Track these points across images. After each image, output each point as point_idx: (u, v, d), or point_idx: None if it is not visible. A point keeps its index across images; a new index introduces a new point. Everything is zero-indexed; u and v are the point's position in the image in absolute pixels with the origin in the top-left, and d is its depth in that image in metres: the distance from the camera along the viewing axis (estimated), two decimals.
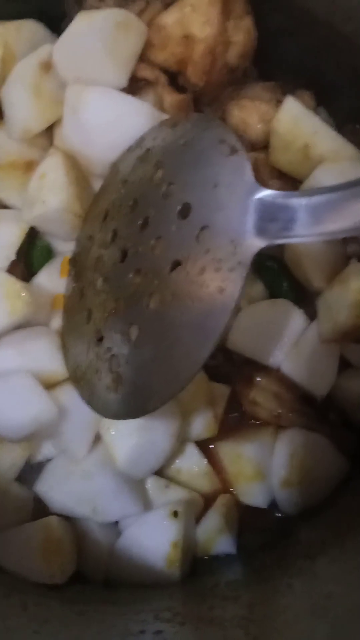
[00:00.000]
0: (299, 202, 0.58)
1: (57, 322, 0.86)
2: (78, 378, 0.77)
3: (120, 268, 0.73)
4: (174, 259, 0.65)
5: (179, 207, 0.66)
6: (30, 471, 0.84)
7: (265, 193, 0.60)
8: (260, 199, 0.60)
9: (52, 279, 0.88)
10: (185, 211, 0.66)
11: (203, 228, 0.63)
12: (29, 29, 0.89)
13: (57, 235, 0.89)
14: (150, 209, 0.70)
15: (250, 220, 0.60)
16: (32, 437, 0.78)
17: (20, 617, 0.64)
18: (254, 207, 0.60)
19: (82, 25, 0.80)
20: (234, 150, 0.63)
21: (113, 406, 0.71)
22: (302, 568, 0.70)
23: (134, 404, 0.70)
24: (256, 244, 0.60)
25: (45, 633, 0.62)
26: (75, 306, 0.80)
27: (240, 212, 0.61)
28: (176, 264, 0.65)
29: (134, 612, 0.68)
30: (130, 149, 0.80)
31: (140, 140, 0.78)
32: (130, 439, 0.80)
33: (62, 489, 0.80)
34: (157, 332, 0.66)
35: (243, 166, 0.62)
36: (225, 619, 0.64)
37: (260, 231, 0.60)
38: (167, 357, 0.65)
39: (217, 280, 0.61)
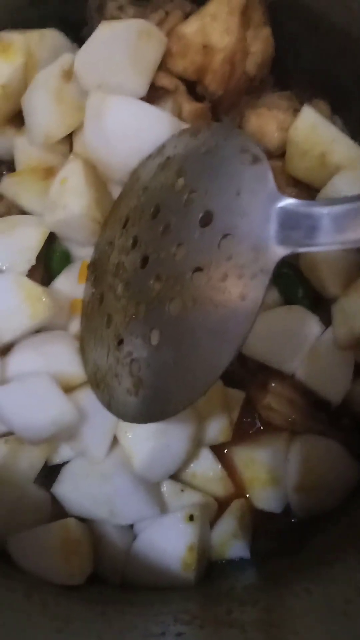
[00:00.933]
0: (321, 211, 0.59)
1: (75, 326, 0.87)
2: (97, 382, 0.78)
3: (141, 274, 0.73)
4: (195, 265, 0.66)
5: (200, 215, 0.67)
6: (48, 473, 0.84)
7: (287, 201, 0.61)
8: (282, 207, 0.61)
9: (70, 284, 0.89)
10: (207, 218, 0.67)
11: (225, 235, 0.64)
12: (51, 37, 0.91)
13: (75, 240, 0.90)
14: (172, 216, 0.71)
15: (272, 228, 0.61)
16: (52, 439, 0.79)
17: (43, 615, 0.64)
18: (276, 215, 0.61)
19: (104, 34, 0.81)
20: (256, 159, 0.64)
21: (132, 410, 0.72)
22: (319, 574, 0.71)
23: (153, 408, 0.70)
24: (278, 251, 0.60)
25: (68, 632, 0.62)
26: (95, 311, 0.81)
27: (262, 220, 0.62)
28: (198, 270, 0.66)
29: (153, 614, 0.69)
30: (150, 157, 0.81)
31: (161, 147, 0.79)
32: (148, 442, 0.80)
33: (80, 491, 0.81)
34: (178, 337, 0.67)
35: (265, 175, 0.63)
36: (245, 622, 0.64)
37: (283, 239, 0.61)
38: (188, 362, 0.66)
39: (239, 287, 0.62)
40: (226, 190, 0.65)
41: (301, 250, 0.60)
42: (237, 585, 0.78)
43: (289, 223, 0.61)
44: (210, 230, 0.66)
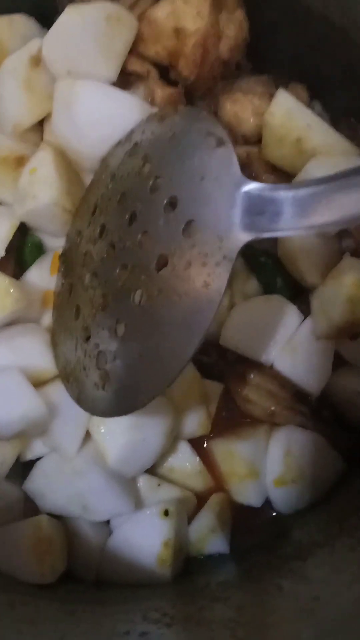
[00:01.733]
0: (285, 195, 0.57)
1: (47, 319, 0.85)
2: (67, 375, 0.76)
3: (107, 263, 0.72)
4: (160, 253, 0.64)
5: (165, 201, 0.65)
6: (21, 469, 0.83)
7: (251, 186, 0.59)
8: (246, 192, 0.59)
9: (43, 276, 0.87)
10: (172, 205, 0.65)
11: (189, 222, 0.62)
12: (21, 23, 0.89)
13: (47, 231, 0.88)
14: (138, 203, 0.69)
15: (236, 214, 0.59)
16: (22, 435, 0.78)
17: (7, 616, 0.63)
18: (241, 200, 0.60)
19: (72, 18, 0.79)
20: (220, 143, 0.62)
21: (101, 403, 0.70)
22: (292, 569, 0.69)
23: (121, 401, 0.69)
24: (242, 237, 0.59)
25: (30, 634, 0.61)
26: (65, 302, 0.79)
27: (226, 206, 0.60)
28: (163, 259, 0.64)
29: (122, 612, 0.67)
30: (119, 143, 0.79)
31: (129, 134, 0.77)
32: (121, 437, 0.79)
33: (53, 487, 0.80)
34: (144, 327, 0.65)
35: (230, 159, 0.61)
36: (213, 620, 0.63)
37: (247, 225, 0.59)
38: (154, 353, 0.64)
39: (203, 275, 0.60)
40: (190, 175, 0.63)
41: (265, 235, 0.59)
42: (213, 582, 0.76)
43: (254, 208, 0.59)
44: (175, 217, 0.64)
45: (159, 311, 0.63)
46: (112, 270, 0.70)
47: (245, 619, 0.61)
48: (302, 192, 0.56)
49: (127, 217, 0.70)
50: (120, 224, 0.71)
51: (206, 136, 0.64)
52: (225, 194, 0.60)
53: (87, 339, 0.72)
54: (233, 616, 0.63)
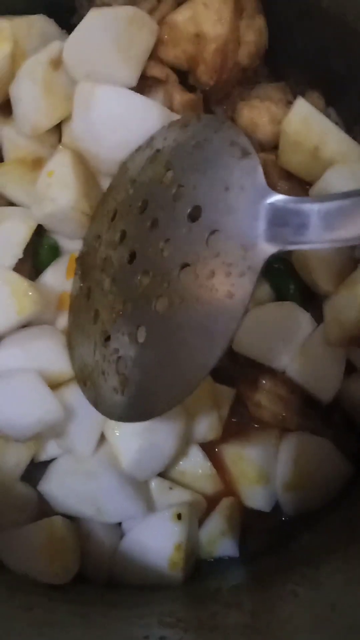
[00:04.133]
0: (311, 208, 0.58)
1: (63, 321, 0.85)
2: (84, 379, 0.77)
3: (128, 269, 0.72)
4: (183, 261, 0.64)
5: (189, 210, 0.66)
6: (35, 470, 0.83)
7: (276, 198, 0.60)
8: (271, 204, 0.60)
9: (59, 278, 0.87)
10: (195, 214, 0.65)
11: (213, 231, 0.62)
12: (40, 24, 0.88)
13: (64, 233, 0.88)
14: (160, 210, 0.69)
15: (261, 225, 0.60)
16: (38, 436, 0.78)
17: (23, 619, 0.63)
18: (265, 212, 0.60)
19: (94, 22, 0.79)
20: (245, 153, 0.63)
21: (119, 408, 0.71)
22: (306, 575, 0.70)
23: (139, 407, 0.69)
24: (267, 249, 0.59)
25: (48, 636, 0.61)
26: (82, 306, 0.79)
27: (251, 217, 0.60)
28: (185, 267, 0.64)
29: (137, 616, 0.68)
30: (139, 149, 0.79)
31: (150, 140, 0.78)
32: (135, 440, 0.79)
33: (67, 488, 0.80)
34: (165, 335, 0.65)
35: (255, 169, 0.61)
36: (229, 626, 0.63)
37: (271, 236, 0.59)
38: (175, 361, 0.64)
39: (227, 285, 0.60)
40: (215, 185, 0.64)
41: (290, 248, 0.59)
42: (224, 586, 0.77)
43: (278, 220, 0.59)
44: (198, 226, 0.64)
45: (181, 319, 0.64)
46: (133, 276, 0.70)
47: (260, 626, 0.62)
48: (329, 205, 0.56)
49: (148, 224, 0.70)
50: (141, 231, 0.71)
51: (231, 146, 0.64)
52: (250, 204, 0.60)
53: (106, 343, 0.73)
54: (248, 622, 0.64)
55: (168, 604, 0.72)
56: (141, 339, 0.68)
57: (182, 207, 0.66)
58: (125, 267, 0.72)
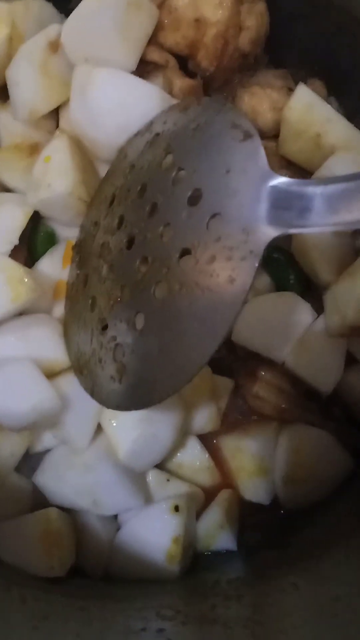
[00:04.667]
0: (314, 191, 0.56)
1: (59, 309, 0.84)
2: (80, 367, 0.75)
3: (126, 255, 0.70)
4: (183, 246, 0.63)
5: (189, 194, 0.64)
6: (30, 461, 0.82)
7: (279, 180, 0.58)
8: (274, 186, 0.58)
9: (55, 265, 0.86)
10: (195, 197, 0.64)
11: (214, 215, 0.61)
12: (37, 7, 0.87)
13: (61, 220, 0.87)
14: (159, 195, 0.68)
15: (263, 208, 0.58)
16: (33, 426, 0.76)
17: (20, 612, 0.62)
18: (267, 195, 0.58)
19: (93, 4, 0.78)
20: (247, 135, 0.61)
21: (116, 397, 0.69)
22: (307, 568, 0.69)
23: (137, 395, 0.68)
24: (269, 232, 0.58)
25: (45, 629, 0.60)
26: (79, 293, 0.78)
27: (252, 199, 0.59)
28: (185, 252, 0.63)
29: (135, 609, 0.67)
30: (138, 133, 0.77)
31: (149, 124, 0.76)
32: (133, 431, 0.78)
33: (62, 480, 0.79)
34: (164, 322, 0.64)
35: (257, 152, 0.60)
36: (229, 618, 0.62)
37: (273, 219, 0.58)
38: (173, 348, 0.63)
39: (228, 270, 0.59)
40: (215, 168, 0.62)
41: (292, 231, 0.58)
42: (222, 579, 0.75)
43: (281, 203, 0.58)
44: (198, 210, 0.63)
45: (180, 305, 0.62)
46: (132, 262, 0.69)
47: (262, 618, 0.60)
48: (332, 188, 0.55)
49: (147, 209, 0.69)
50: (140, 216, 0.70)
51: (232, 128, 0.63)
52: (251, 187, 0.59)
53: (104, 331, 0.71)
54: (249, 615, 0.62)
55: (166, 597, 0.71)
56: (139, 326, 0.67)
57: (182, 190, 0.65)
58: (123, 252, 0.71)
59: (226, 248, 0.59)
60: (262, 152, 0.60)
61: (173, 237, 0.65)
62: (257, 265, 0.57)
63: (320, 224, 0.56)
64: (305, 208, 0.57)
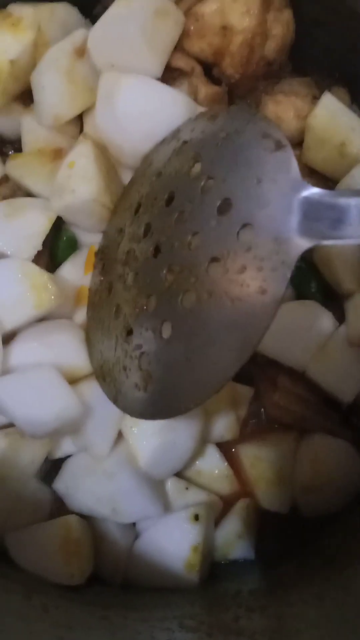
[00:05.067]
0: (347, 202, 0.56)
1: (81, 315, 0.83)
2: (104, 374, 0.75)
3: (153, 263, 0.70)
4: (212, 255, 0.63)
5: (218, 203, 0.64)
6: (48, 467, 0.82)
7: (311, 191, 0.58)
8: (306, 197, 0.58)
9: (77, 271, 0.86)
10: (225, 207, 0.63)
11: (244, 225, 0.61)
12: (63, 12, 0.87)
13: (83, 226, 0.86)
14: (187, 203, 0.68)
15: (295, 219, 0.58)
16: (55, 434, 0.76)
17: (43, 621, 0.61)
18: (300, 206, 0.58)
19: (120, 11, 0.78)
20: (279, 145, 0.61)
21: (140, 405, 0.69)
22: (330, 579, 0.68)
23: (162, 405, 0.67)
24: (301, 243, 0.57)
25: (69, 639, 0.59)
26: (103, 300, 0.78)
27: (284, 210, 0.58)
28: (214, 261, 0.63)
29: (157, 619, 0.66)
30: (165, 141, 0.77)
31: (176, 132, 0.76)
32: (154, 439, 0.78)
33: (82, 487, 0.78)
34: (192, 331, 0.63)
35: (289, 162, 0.60)
36: (255, 631, 0.62)
37: (306, 231, 0.57)
38: (201, 358, 0.62)
39: (259, 280, 0.58)
40: (246, 177, 0.62)
41: (325, 243, 0.57)
42: (244, 589, 0.75)
43: (313, 214, 0.57)
44: (229, 219, 0.62)
45: (209, 315, 0.62)
46: (158, 270, 0.68)
47: (289, 631, 0.60)
48: None
49: (175, 217, 0.69)
50: (167, 224, 0.69)
51: (263, 138, 0.62)
52: (283, 198, 0.59)
53: (129, 339, 0.71)
54: (275, 627, 0.62)
55: (187, 607, 0.70)
56: (166, 335, 0.66)
57: (211, 199, 0.65)
58: (149, 261, 0.71)
59: (257, 258, 0.59)
60: (295, 162, 0.60)
61: (202, 246, 0.64)
62: (289, 276, 0.57)
63: (354, 236, 0.56)
64: (338, 219, 0.56)
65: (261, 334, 0.58)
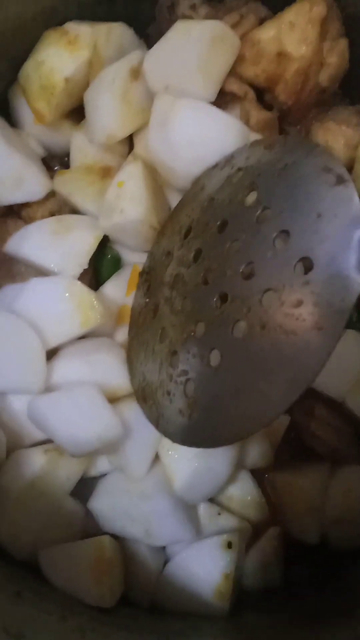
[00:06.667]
0: None
1: (122, 334, 0.83)
2: (145, 396, 0.75)
3: (203, 290, 0.70)
4: (267, 287, 0.62)
5: (275, 234, 0.64)
6: (81, 485, 0.81)
7: None
8: None
9: (120, 290, 0.86)
10: (281, 239, 0.63)
11: (302, 259, 0.60)
12: (119, 32, 0.87)
13: (128, 245, 0.86)
14: (242, 232, 0.67)
15: (354, 256, 0.57)
16: (95, 453, 0.76)
17: None
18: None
19: (179, 38, 0.78)
20: (341, 180, 0.60)
21: (183, 432, 0.69)
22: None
23: (206, 434, 0.67)
24: None
25: None
26: (148, 322, 0.77)
27: (344, 246, 0.58)
28: (268, 292, 0.62)
29: None
30: (217, 166, 0.77)
31: (230, 157, 0.76)
32: (190, 463, 0.77)
33: (117, 508, 0.78)
34: (242, 361, 0.63)
35: (350, 198, 0.59)
36: None
37: None
38: (251, 391, 0.62)
39: (316, 315, 0.58)
40: (305, 211, 0.61)
41: None
42: (271, 620, 0.74)
43: None
44: (286, 252, 0.62)
45: (261, 347, 0.61)
46: (209, 297, 0.68)
47: None
48: None
49: (228, 245, 0.68)
50: (220, 252, 0.69)
51: (324, 171, 0.62)
52: (344, 234, 0.58)
53: (174, 363, 0.71)
54: None
55: (219, 636, 0.69)
56: (214, 363, 0.66)
57: (268, 230, 0.64)
58: (199, 287, 0.70)
59: (314, 293, 0.58)
60: (356, 198, 0.59)
61: (256, 277, 0.64)
62: (347, 316, 0.57)
63: None
64: None
65: (317, 371, 0.58)
